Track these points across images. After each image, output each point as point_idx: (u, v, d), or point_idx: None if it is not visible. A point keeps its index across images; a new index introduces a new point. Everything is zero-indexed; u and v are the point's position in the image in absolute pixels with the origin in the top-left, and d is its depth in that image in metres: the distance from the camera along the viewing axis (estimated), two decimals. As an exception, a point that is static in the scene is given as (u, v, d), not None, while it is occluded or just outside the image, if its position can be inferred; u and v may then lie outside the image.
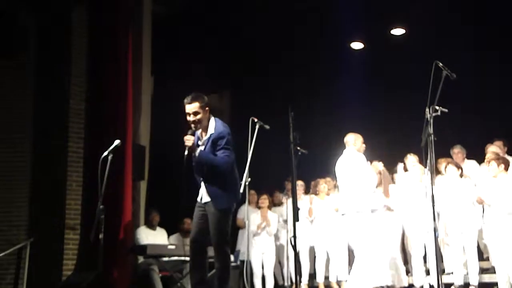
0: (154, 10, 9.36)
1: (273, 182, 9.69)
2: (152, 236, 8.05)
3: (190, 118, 5.25)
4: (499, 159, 7.03)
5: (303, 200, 8.89)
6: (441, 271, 5.18)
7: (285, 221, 8.64)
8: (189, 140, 5.20)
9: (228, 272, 5.32)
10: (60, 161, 7.82)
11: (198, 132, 5.37)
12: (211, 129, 5.31)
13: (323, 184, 8.92)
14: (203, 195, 5.37)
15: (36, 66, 8.26)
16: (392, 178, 8.17)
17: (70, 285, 5.98)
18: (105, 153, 5.82)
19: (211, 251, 5.34)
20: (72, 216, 7.74)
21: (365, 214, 7.05)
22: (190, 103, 5.25)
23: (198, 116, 5.24)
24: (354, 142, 7.33)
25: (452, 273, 7.37)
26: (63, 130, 7.92)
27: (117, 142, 5.92)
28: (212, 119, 5.36)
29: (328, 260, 8.69)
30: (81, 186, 7.86)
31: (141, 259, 7.83)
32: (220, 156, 5.20)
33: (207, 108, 5.31)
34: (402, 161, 8.30)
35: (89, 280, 5.54)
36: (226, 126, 5.37)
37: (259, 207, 9.13)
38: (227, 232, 5.34)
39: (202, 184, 5.36)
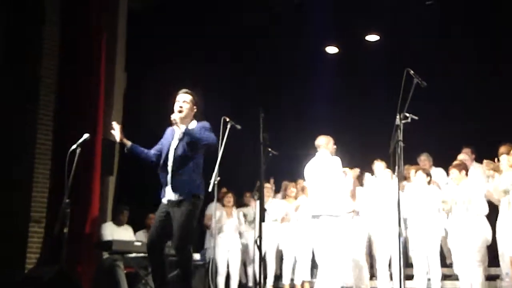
0: (130, 7, 9.29)
1: (243, 182, 9.68)
2: (118, 233, 7.98)
3: (178, 104, 5.40)
4: (460, 165, 7.13)
5: (270, 202, 8.93)
6: (405, 276, 5.21)
7: (252, 222, 8.64)
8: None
9: (190, 272, 5.30)
10: (28, 152, 7.69)
11: (175, 128, 5.43)
12: (192, 126, 5.41)
13: (292, 188, 8.98)
14: (169, 194, 5.32)
15: (6, 57, 8.10)
16: (361, 183, 8.22)
17: (32, 278, 5.86)
18: (73, 147, 5.79)
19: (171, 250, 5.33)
20: (38, 209, 7.61)
21: (341, 217, 7.05)
22: (184, 93, 5.48)
23: (186, 105, 5.39)
24: (326, 145, 7.33)
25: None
26: (32, 122, 7.78)
27: (86, 135, 5.90)
28: (195, 121, 5.49)
29: (295, 263, 8.73)
30: (48, 179, 7.74)
31: (106, 255, 7.75)
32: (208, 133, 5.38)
33: (195, 107, 5.49)
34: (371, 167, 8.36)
35: (51, 274, 5.44)
36: None
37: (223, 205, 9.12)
38: (192, 231, 5.33)
39: (169, 182, 5.32)
